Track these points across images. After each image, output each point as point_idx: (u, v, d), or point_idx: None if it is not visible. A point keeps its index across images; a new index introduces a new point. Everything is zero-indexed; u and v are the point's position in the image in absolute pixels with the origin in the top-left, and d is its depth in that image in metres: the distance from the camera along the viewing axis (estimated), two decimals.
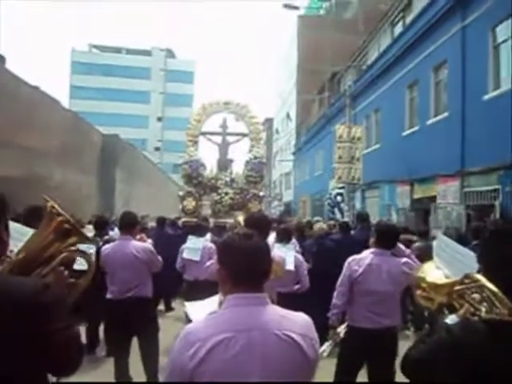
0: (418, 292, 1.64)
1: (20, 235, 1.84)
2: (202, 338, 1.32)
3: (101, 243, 5.01)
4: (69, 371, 1.51)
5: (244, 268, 1.42)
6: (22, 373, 1.27)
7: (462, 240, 5.57)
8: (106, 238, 5.36)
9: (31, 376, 1.32)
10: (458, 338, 1.26)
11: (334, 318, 3.40)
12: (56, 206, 1.74)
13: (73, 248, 1.75)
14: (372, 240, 3.47)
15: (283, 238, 4.53)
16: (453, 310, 1.49)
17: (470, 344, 1.24)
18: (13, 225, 2.09)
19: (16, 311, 1.25)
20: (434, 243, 1.91)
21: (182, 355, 1.32)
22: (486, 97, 9.25)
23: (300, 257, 4.40)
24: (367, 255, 3.34)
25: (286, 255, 4.12)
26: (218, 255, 1.52)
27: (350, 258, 3.40)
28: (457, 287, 1.48)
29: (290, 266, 4.10)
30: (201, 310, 1.72)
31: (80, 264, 4.73)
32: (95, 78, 52.11)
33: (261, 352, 1.33)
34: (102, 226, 5.67)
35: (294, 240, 5.01)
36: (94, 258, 4.29)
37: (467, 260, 1.67)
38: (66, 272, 1.65)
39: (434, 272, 1.70)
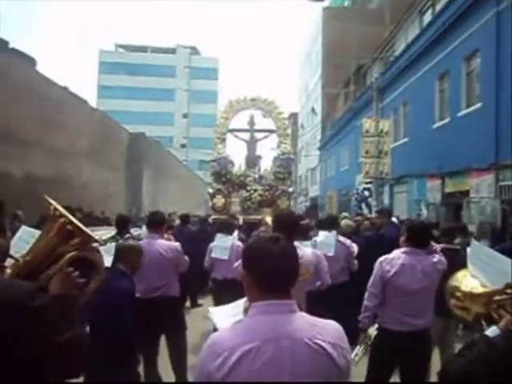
0: (453, 301, 1.56)
1: (31, 238, 1.84)
2: (229, 347, 1.28)
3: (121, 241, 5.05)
4: (67, 375, 1.50)
5: (270, 274, 1.36)
6: (16, 375, 1.27)
7: (497, 236, 5.34)
8: (128, 236, 5.37)
9: (27, 379, 1.31)
10: (501, 352, 1.17)
11: (365, 321, 3.27)
12: (59, 207, 1.72)
13: (86, 244, 1.73)
14: (402, 238, 3.33)
15: (299, 235, 4.44)
16: (491, 322, 1.39)
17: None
18: (25, 228, 2.10)
19: (7, 314, 1.27)
20: (468, 250, 1.80)
21: (208, 365, 1.29)
22: None
23: (319, 253, 4.30)
24: (399, 255, 3.21)
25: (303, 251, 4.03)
26: (242, 260, 1.45)
27: (382, 258, 3.26)
28: (497, 297, 1.39)
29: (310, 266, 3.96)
30: (226, 316, 1.66)
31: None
32: (121, 77, 53.10)
33: (290, 361, 1.28)
34: (123, 224, 5.66)
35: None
36: (113, 255, 4.36)
37: (505, 267, 1.55)
38: (76, 272, 1.62)
39: (469, 280, 1.61)
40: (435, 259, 3.21)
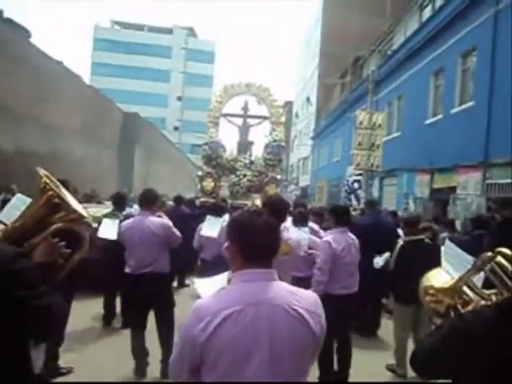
0: (427, 299, 1.64)
1: (23, 205, 1.91)
2: (212, 312, 1.36)
3: (122, 217, 5.13)
4: (44, 337, 1.58)
5: (254, 244, 1.45)
6: None
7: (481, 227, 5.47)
8: (125, 213, 5.46)
9: (6, 340, 1.39)
10: (471, 323, 1.26)
11: (321, 293, 3.48)
12: (49, 179, 1.79)
13: (72, 217, 1.80)
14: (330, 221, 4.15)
15: (299, 221, 4.53)
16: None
17: (479, 328, 1.23)
18: (19, 196, 2.18)
19: None
20: (442, 248, 1.94)
21: (192, 329, 1.36)
22: None
23: (316, 239, 4.40)
24: (340, 235, 3.93)
25: (300, 239, 4.13)
26: (227, 232, 1.54)
27: (329, 239, 3.89)
28: (462, 279, 1.51)
29: (301, 252, 4.09)
30: (210, 287, 1.75)
31: (105, 233, 4.85)
32: (116, 55, 52.23)
33: (269, 325, 1.36)
34: (120, 201, 5.79)
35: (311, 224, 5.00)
36: (116, 231, 4.45)
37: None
38: (62, 243, 1.70)
39: (441, 276, 1.72)
40: (352, 235, 4.02)
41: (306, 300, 1.46)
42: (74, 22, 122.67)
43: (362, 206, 13.13)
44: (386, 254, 4.92)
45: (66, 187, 3.30)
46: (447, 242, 2.10)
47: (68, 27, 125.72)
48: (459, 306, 1.50)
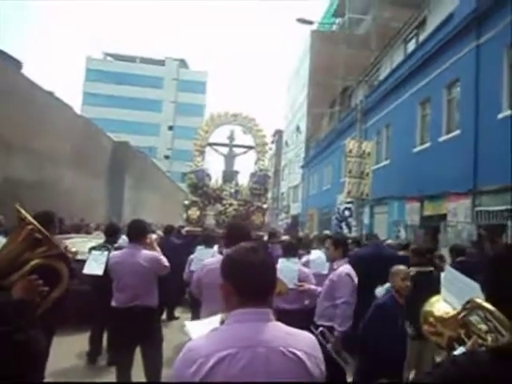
0: (426, 327, 1.59)
1: None
2: (204, 354, 1.28)
3: (112, 250, 5.00)
4: (22, 374, 1.50)
5: (250, 283, 1.39)
6: None
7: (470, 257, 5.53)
8: (116, 245, 5.31)
9: None
10: (460, 367, 1.20)
11: None
12: (27, 215, 1.76)
13: (53, 253, 1.77)
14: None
15: (288, 251, 4.46)
16: (464, 344, 1.43)
17: (474, 375, 1.18)
18: None
19: None
20: (442, 275, 1.87)
21: (183, 373, 1.28)
22: (501, 115, 9.17)
23: (306, 270, 4.32)
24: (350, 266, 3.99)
25: (289, 271, 4.05)
26: (222, 269, 1.47)
27: (350, 273, 3.86)
28: (461, 315, 1.44)
29: (291, 284, 3.94)
30: (202, 329, 1.66)
31: (91, 269, 4.71)
32: (108, 85, 52.87)
33: (265, 369, 1.29)
34: (112, 233, 5.63)
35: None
36: (105, 264, 4.26)
37: (475, 293, 1.62)
38: (40, 281, 1.66)
39: (442, 305, 1.65)
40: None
41: (304, 342, 1.39)
42: (66, 54, 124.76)
43: (353, 234, 13.12)
44: (388, 285, 4.84)
45: (50, 219, 3.24)
46: (448, 268, 2.02)
47: (60, 58, 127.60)
48: (465, 338, 1.44)
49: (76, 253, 3.59)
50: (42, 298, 1.71)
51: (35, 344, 1.43)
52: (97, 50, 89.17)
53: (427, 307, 1.68)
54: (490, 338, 1.33)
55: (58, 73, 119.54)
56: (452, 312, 1.55)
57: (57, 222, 3.45)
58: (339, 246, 3.95)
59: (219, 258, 3.11)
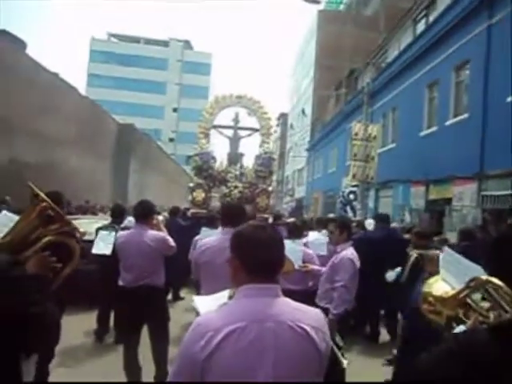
0: (425, 306, 1.60)
1: (10, 222, 1.89)
2: (214, 328, 1.30)
3: (119, 231, 5.05)
4: (36, 346, 1.56)
5: (259, 258, 1.40)
6: None
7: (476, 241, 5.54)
8: (122, 226, 5.37)
9: None
10: (462, 344, 1.21)
11: None
12: (40, 192, 1.79)
13: (65, 230, 1.79)
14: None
15: (293, 233, 4.48)
16: (463, 323, 1.45)
17: (475, 351, 1.19)
18: (5, 213, 2.16)
19: None
20: (441, 256, 1.88)
21: (192, 346, 1.29)
22: (509, 99, 9.03)
23: (310, 252, 4.34)
24: (353, 249, 3.90)
25: (294, 252, 4.06)
26: (231, 245, 1.49)
27: (352, 257, 3.80)
28: (462, 294, 1.44)
29: (296, 265, 3.98)
30: (210, 304, 1.68)
31: (99, 248, 4.76)
32: (113, 67, 52.50)
33: (274, 342, 1.31)
34: (119, 213, 5.70)
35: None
36: (113, 243, 4.31)
37: (476, 273, 1.62)
38: (53, 258, 1.70)
39: (441, 285, 1.66)
40: None
41: (311, 316, 1.41)
42: (70, 35, 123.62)
43: (358, 217, 13.13)
44: (398, 269, 4.87)
45: (60, 199, 3.27)
46: (446, 249, 2.04)
47: (65, 39, 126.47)
48: (463, 317, 1.45)
49: (84, 233, 3.63)
50: (54, 274, 1.75)
51: (50, 317, 1.47)
52: (101, 30, 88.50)
53: (426, 288, 1.70)
54: (492, 316, 1.34)
55: (63, 54, 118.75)
56: (452, 291, 1.56)
57: (65, 202, 3.48)
58: (344, 230, 3.94)
59: (215, 238, 3.12)
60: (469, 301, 1.46)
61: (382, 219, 6.48)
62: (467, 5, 10.71)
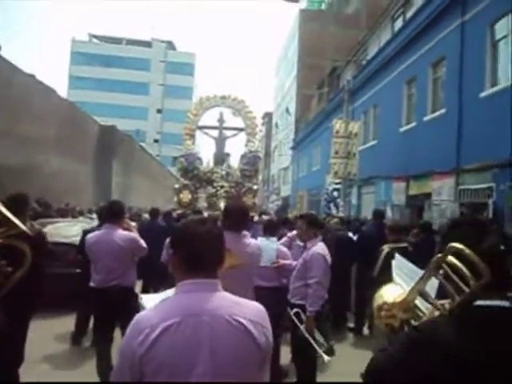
0: (382, 314, 1.61)
1: None
2: (151, 324, 1.30)
3: None
4: None
5: (196, 254, 1.40)
6: None
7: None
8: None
9: None
10: (427, 332, 1.23)
11: None
12: None
13: (13, 233, 1.78)
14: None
15: (268, 230, 4.49)
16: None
17: (436, 337, 1.20)
18: None
19: None
20: (393, 263, 1.91)
21: (131, 343, 1.31)
22: (483, 94, 9.20)
23: (284, 249, 4.36)
24: (324, 244, 3.96)
25: (268, 250, 4.07)
26: (171, 240, 1.49)
27: (324, 253, 3.84)
28: (409, 297, 1.47)
29: (266, 262, 3.91)
30: (155, 301, 1.69)
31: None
32: (94, 68, 51.89)
33: (210, 336, 1.31)
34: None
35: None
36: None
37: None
38: (2, 261, 1.69)
39: (394, 290, 1.68)
40: None
41: (251, 310, 1.41)
42: (51, 36, 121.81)
43: (340, 214, 13.23)
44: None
45: (22, 201, 3.23)
46: (396, 255, 2.07)
47: (45, 41, 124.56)
48: (412, 321, 1.47)
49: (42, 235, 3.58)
50: (5, 277, 1.72)
51: None
52: (82, 32, 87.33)
53: (381, 296, 1.70)
54: (448, 307, 1.35)
55: (43, 56, 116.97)
56: (404, 293, 1.58)
57: (30, 204, 3.44)
58: (312, 225, 3.96)
59: None
60: (419, 303, 1.48)
61: (379, 215, 6.92)
62: (440, 2, 10.88)
